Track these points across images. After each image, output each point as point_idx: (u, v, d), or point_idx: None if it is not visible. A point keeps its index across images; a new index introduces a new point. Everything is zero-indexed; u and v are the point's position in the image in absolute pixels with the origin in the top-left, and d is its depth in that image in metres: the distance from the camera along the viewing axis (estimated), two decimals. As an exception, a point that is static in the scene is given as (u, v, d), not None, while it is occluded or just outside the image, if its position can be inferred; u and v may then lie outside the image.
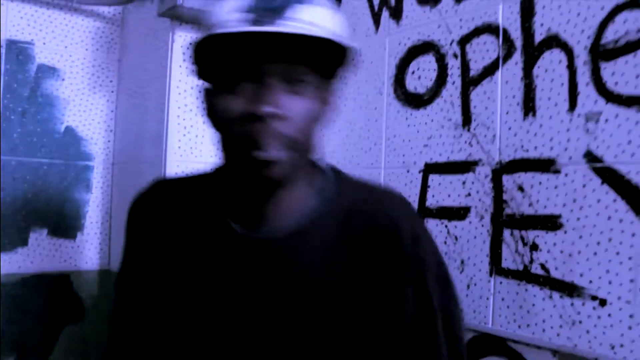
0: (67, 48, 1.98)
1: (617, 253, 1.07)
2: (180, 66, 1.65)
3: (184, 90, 1.66)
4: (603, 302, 1.09)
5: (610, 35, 1.10)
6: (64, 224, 1.99)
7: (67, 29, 1.98)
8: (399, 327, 0.88)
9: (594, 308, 1.10)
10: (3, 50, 1.86)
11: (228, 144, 0.83)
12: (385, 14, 1.61)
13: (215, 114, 0.85)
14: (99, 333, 1.93)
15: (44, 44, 1.94)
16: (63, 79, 1.97)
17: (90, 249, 2.03)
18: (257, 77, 0.79)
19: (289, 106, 0.80)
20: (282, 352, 0.86)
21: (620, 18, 1.09)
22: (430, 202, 1.43)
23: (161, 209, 0.96)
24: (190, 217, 0.94)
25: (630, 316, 1.04)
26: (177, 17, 1.61)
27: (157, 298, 0.93)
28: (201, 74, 0.88)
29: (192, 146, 1.66)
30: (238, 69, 0.80)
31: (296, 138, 0.81)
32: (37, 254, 1.92)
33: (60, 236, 1.98)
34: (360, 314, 0.87)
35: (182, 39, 1.65)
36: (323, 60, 0.83)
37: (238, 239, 0.89)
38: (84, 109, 2.01)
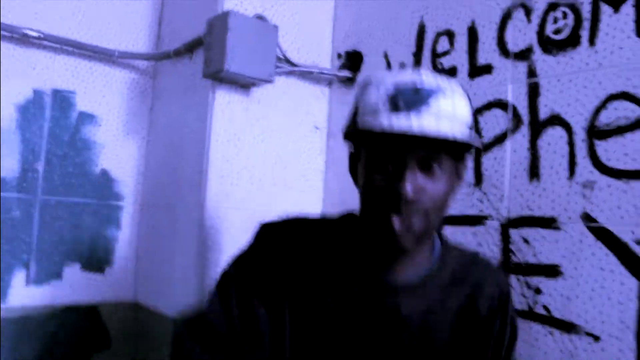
0: (104, 97, 2.16)
1: (609, 298, 1.30)
2: (219, 121, 1.84)
3: (222, 143, 1.85)
4: (597, 338, 1.31)
5: (604, 119, 1.35)
6: (95, 259, 2.14)
7: (105, 80, 2.16)
8: None
9: (589, 343, 1.32)
10: (49, 99, 2.03)
11: (368, 209, 0.98)
12: (403, 82, 1.85)
13: (359, 182, 1.02)
14: (123, 362, 2.09)
15: (85, 92, 2.12)
16: (100, 125, 2.15)
17: (118, 283, 2.18)
18: (399, 161, 0.92)
19: (425, 188, 0.93)
20: None
21: (612, 106, 1.34)
22: (445, 249, 1.65)
23: (294, 245, 1.06)
24: (323, 257, 1.05)
25: (620, 350, 1.27)
26: (219, 78, 1.81)
27: (279, 322, 1.02)
28: (349, 139, 1.03)
29: (228, 193, 1.85)
30: (383, 153, 0.94)
31: (428, 215, 0.95)
32: (70, 287, 2.07)
33: (91, 270, 2.12)
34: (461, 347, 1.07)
35: (222, 97, 1.85)
36: (456, 148, 0.96)
37: (374, 282, 1.03)
38: (118, 153, 2.19)
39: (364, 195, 0.99)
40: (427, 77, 0.93)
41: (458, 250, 1.14)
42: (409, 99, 0.89)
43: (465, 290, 1.07)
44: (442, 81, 0.94)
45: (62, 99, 2.07)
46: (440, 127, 0.89)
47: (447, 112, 0.91)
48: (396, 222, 0.92)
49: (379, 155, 0.95)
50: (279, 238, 1.08)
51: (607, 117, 1.34)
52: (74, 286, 2.08)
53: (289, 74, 2.00)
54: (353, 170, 1.06)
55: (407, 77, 0.93)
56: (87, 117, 2.13)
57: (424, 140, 0.90)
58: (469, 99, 0.99)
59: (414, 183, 0.92)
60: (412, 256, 1.02)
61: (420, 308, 1.03)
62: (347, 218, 1.13)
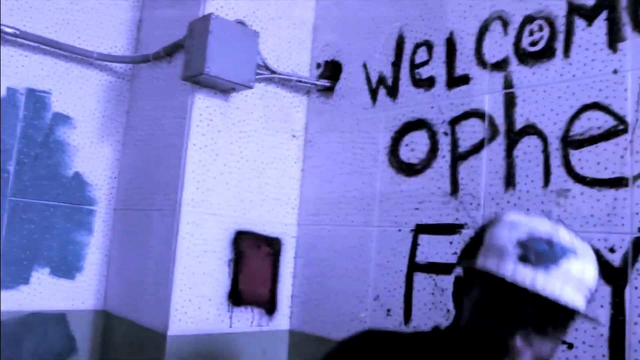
0: (80, 99, 2.13)
1: (582, 305, 1.31)
2: (197, 125, 1.83)
3: (199, 147, 1.84)
4: (571, 346, 1.32)
5: (577, 128, 1.38)
6: (65, 265, 2.09)
7: (82, 81, 2.14)
8: None
9: (563, 351, 1.33)
10: (23, 98, 2.00)
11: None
12: (382, 91, 1.87)
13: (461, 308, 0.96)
14: (89, 371, 2.04)
15: (60, 93, 2.09)
16: (75, 127, 2.12)
17: (88, 290, 2.13)
18: (514, 313, 0.86)
19: (533, 347, 0.87)
20: None
21: (584, 116, 1.37)
22: (420, 258, 1.65)
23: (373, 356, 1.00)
24: None
25: (593, 357, 1.28)
26: (198, 82, 1.80)
27: None
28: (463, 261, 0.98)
29: (204, 198, 1.83)
30: (499, 297, 0.88)
31: None
32: (38, 292, 2.01)
33: (60, 276, 2.08)
34: None
35: (201, 102, 1.84)
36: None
37: None
38: (92, 156, 2.15)
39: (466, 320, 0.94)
40: (563, 234, 0.90)
41: None
42: (541, 253, 0.86)
43: None
44: (577, 241, 0.91)
45: (37, 99, 2.04)
46: (564, 293, 0.86)
47: (575, 277, 0.87)
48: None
49: (494, 297, 0.90)
50: (364, 350, 1.02)
51: (581, 127, 1.37)
52: (43, 292, 2.03)
53: (268, 80, 2.00)
54: (457, 295, 1.00)
55: (543, 228, 0.89)
56: (61, 119, 2.09)
57: (543, 300, 0.86)
58: (598, 264, 0.95)
59: (523, 340, 0.87)
60: None
61: None
62: (435, 332, 1.04)
